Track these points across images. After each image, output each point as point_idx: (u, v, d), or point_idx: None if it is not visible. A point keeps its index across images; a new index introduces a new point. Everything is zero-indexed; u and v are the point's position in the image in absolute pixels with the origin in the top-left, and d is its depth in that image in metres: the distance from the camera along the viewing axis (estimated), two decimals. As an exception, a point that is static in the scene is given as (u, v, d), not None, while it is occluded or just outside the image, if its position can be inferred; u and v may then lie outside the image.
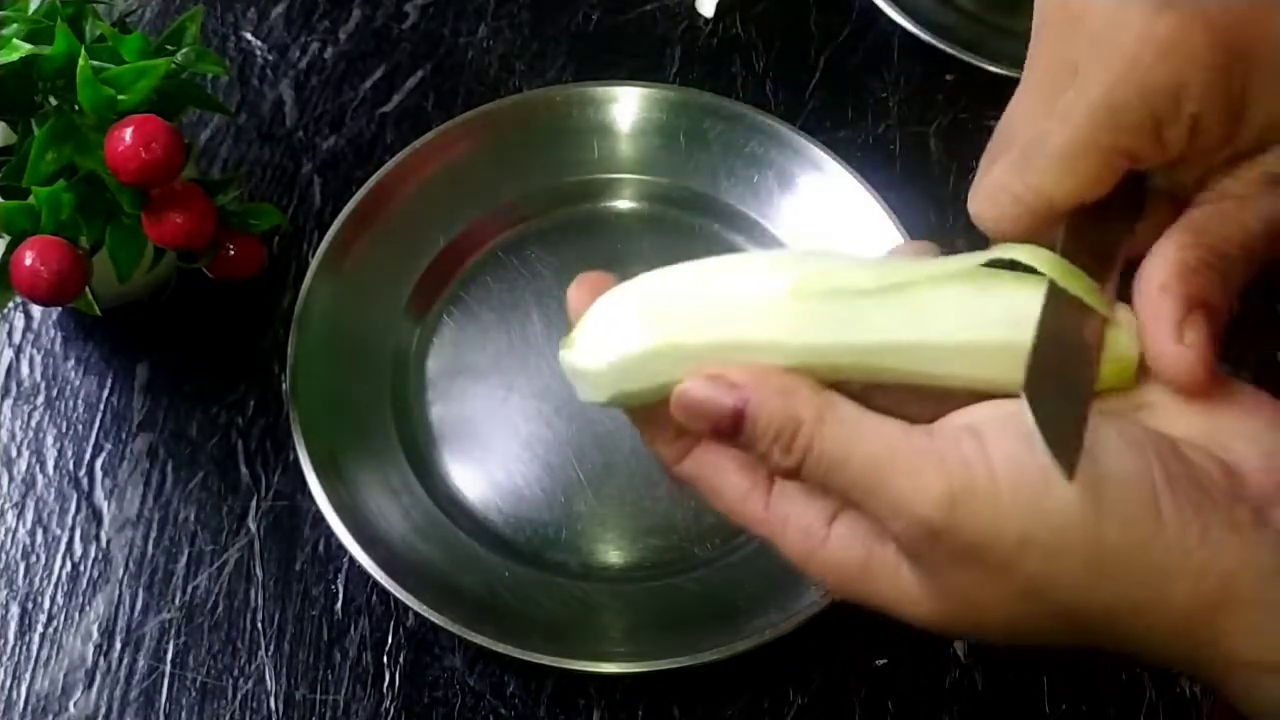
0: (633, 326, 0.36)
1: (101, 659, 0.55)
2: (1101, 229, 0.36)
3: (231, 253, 0.56)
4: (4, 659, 0.55)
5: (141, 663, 0.55)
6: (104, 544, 0.58)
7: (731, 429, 0.34)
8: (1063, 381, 0.32)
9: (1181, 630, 0.32)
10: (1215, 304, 0.34)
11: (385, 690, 0.55)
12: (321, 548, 0.58)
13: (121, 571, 0.57)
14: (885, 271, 0.35)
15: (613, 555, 0.58)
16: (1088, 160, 0.35)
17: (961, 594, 0.33)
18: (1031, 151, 0.36)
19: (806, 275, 0.35)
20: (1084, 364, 0.33)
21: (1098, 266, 0.35)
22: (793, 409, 0.34)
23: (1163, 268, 0.34)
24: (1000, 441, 0.32)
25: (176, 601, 0.56)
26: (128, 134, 0.50)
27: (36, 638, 0.56)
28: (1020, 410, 0.31)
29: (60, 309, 0.63)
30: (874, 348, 0.34)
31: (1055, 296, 0.34)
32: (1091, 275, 0.35)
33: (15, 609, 0.56)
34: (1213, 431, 0.33)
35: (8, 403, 0.61)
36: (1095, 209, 0.36)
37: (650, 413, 0.37)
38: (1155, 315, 0.34)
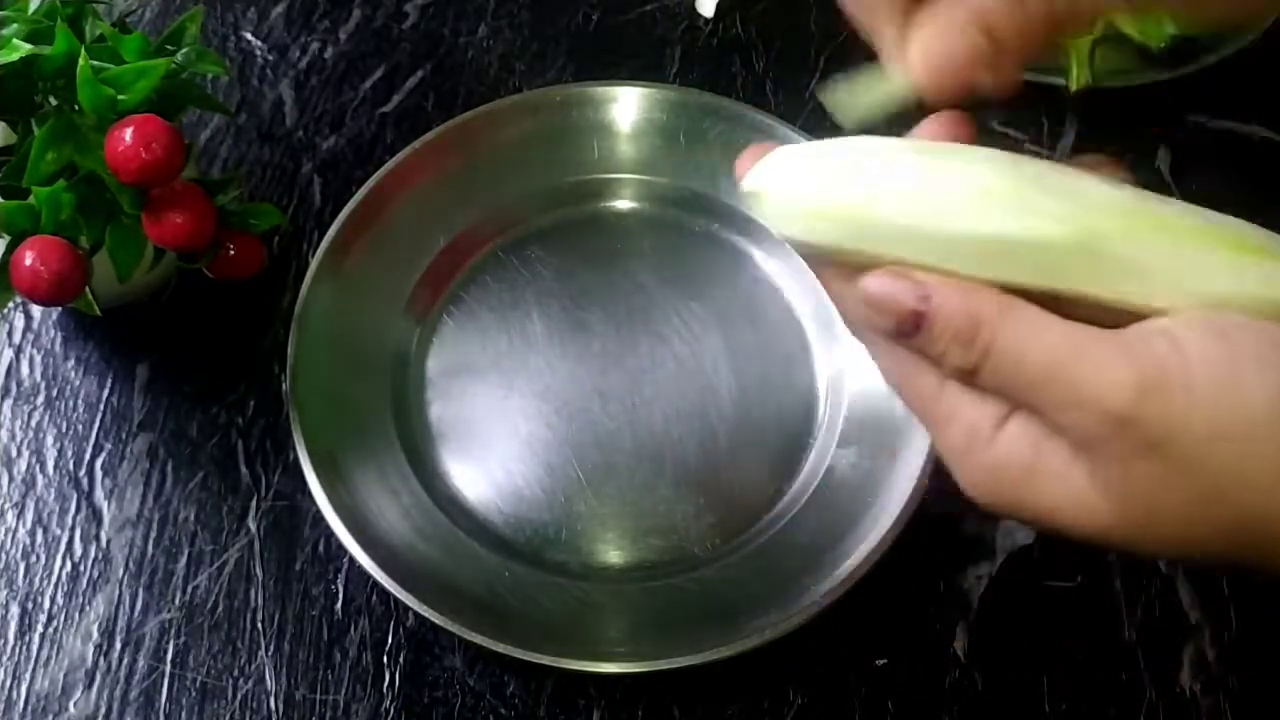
0: (841, 177, 0.35)
1: (101, 659, 0.55)
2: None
3: (231, 253, 0.56)
4: (4, 659, 0.55)
5: (141, 663, 0.55)
6: (104, 544, 0.58)
7: (913, 327, 0.34)
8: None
9: None
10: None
11: (385, 690, 0.55)
12: (321, 548, 0.58)
13: (121, 571, 0.57)
14: (1121, 203, 0.33)
15: (613, 555, 0.58)
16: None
17: (1139, 494, 0.32)
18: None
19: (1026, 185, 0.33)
20: None
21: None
22: (975, 306, 0.33)
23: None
24: (1193, 339, 0.31)
25: (176, 601, 0.56)
26: (128, 134, 0.50)
27: (36, 638, 0.56)
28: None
29: (60, 309, 0.63)
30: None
31: None
32: None
33: (15, 609, 0.56)
34: None
35: (8, 403, 0.61)
36: None
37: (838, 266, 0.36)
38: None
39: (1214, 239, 0.34)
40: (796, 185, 0.36)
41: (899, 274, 0.34)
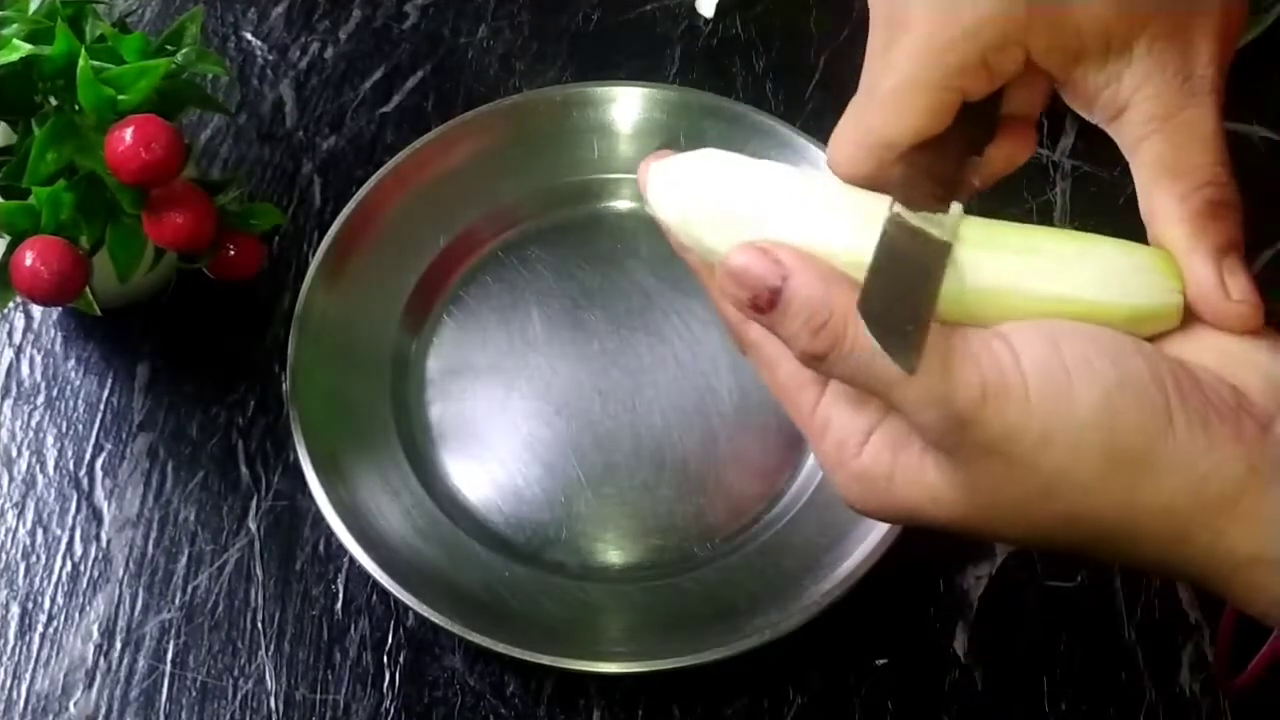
0: (713, 186, 0.38)
1: (102, 659, 0.55)
2: (943, 157, 0.38)
3: (231, 253, 0.56)
4: (4, 659, 0.55)
5: (142, 663, 0.55)
6: (104, 544, 0.58)
7: (768, 304, 0.35)
8: (900, 297, 0.34)
9: (1181, 534, 0.34)
10: (1236, 237, 0.37)
11: (385, 690, 0.55)
12: (321, 548, 0.58)
13: (122, 571, 0.57)
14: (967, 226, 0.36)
15: (613, 555, 0.58)
16: (916, 98, 0.37)
17: (983, 488, 0.35)
18: (866, 97, 0.39)
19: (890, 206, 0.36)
20: (923, 281, 0.35)
21: (941, 190, 0.37)
22: (830, 296, 0.34)
23: (1178, 227, 0.36)
24: (1028, 346, 0.34)
25: (177, 601, 0.56)
26: (128, 134, 0.50)
27: (37, 638, 0.56)
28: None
29: (60, 309, 0.63)
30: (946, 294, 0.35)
31: (896, 225, 0.36)
32: (934, 199, 0.37)
33: (15, 609, 0.56)
34: (1220, 357, 0.35)
35: (8, 403, 0.61)
36: (937, 141, 0.38)
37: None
38: (1197, 281, 0.36)
39: (1064, 247, 0.36)
40: (694, 190, 0.39)
41: (764, 250, 0.35)
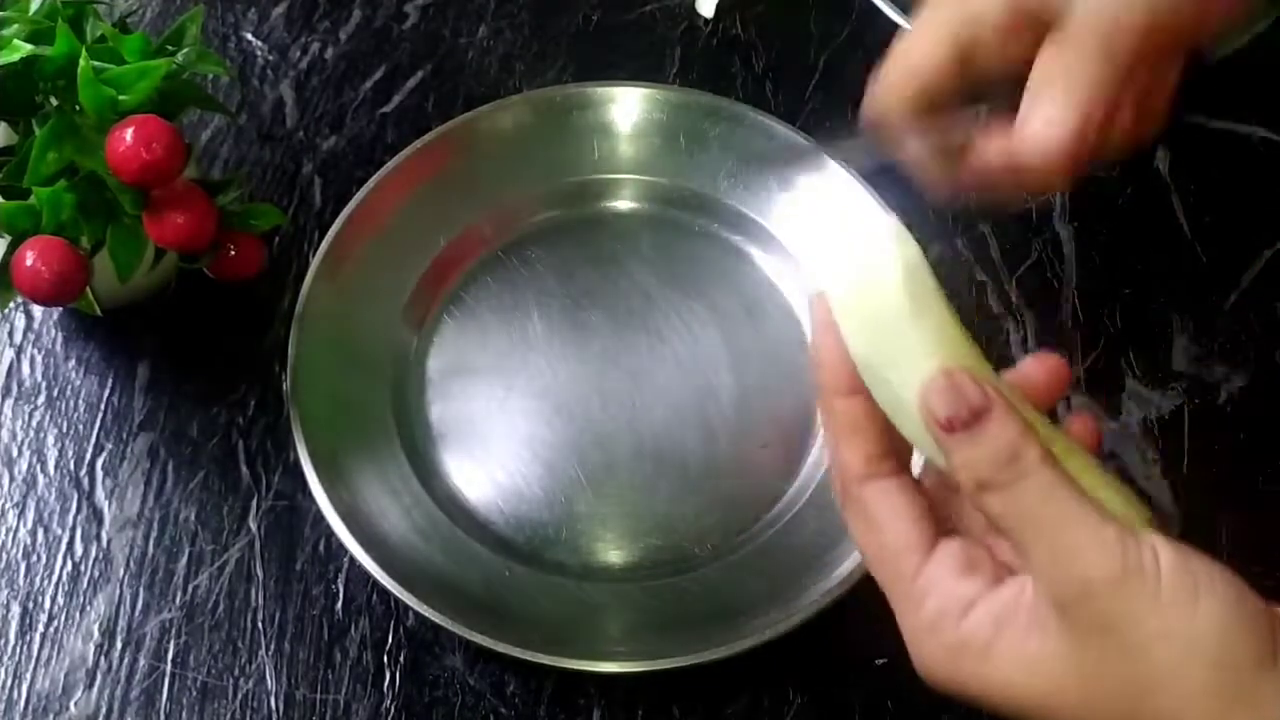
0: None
1: (102, 659, 0.55)
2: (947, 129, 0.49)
3: (232, 253, 0.56)
4: (5, 659, 0.55)
5: (142, 662, 0.55)
6: (105, 544, 0.58)
7: (965, 424, 0.36)
8: None
9: None
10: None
11: (385, 690, 0.55)
12: (321, 548, 0.58)
13: (122, 571, 0.57)
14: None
15: (613, 555, 0.58)
16: (923, 47, 0.49)
17: (1090, 665, 0.35)
18: (888, 61, 0.50)
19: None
20: None
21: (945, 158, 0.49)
22: (1025, 438, 0.36)
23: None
24: (1164, 548, 0.35)
25: (177, 601, 0.56)
26: (128, 134, 0.50)
27: (37, 637, 0.56)
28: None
29: (61, 309, 0.63)
30: None
31: None
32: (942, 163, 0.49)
33: (16, 609, 0.56)
34: None
35: (9, 403, 0.61)
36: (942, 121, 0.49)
37: (852, 420, 0.39)
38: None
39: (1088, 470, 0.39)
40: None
41: (975, 377, 0.37)
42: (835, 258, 0.38)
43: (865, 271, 0.37)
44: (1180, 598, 0.34)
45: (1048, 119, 0.46)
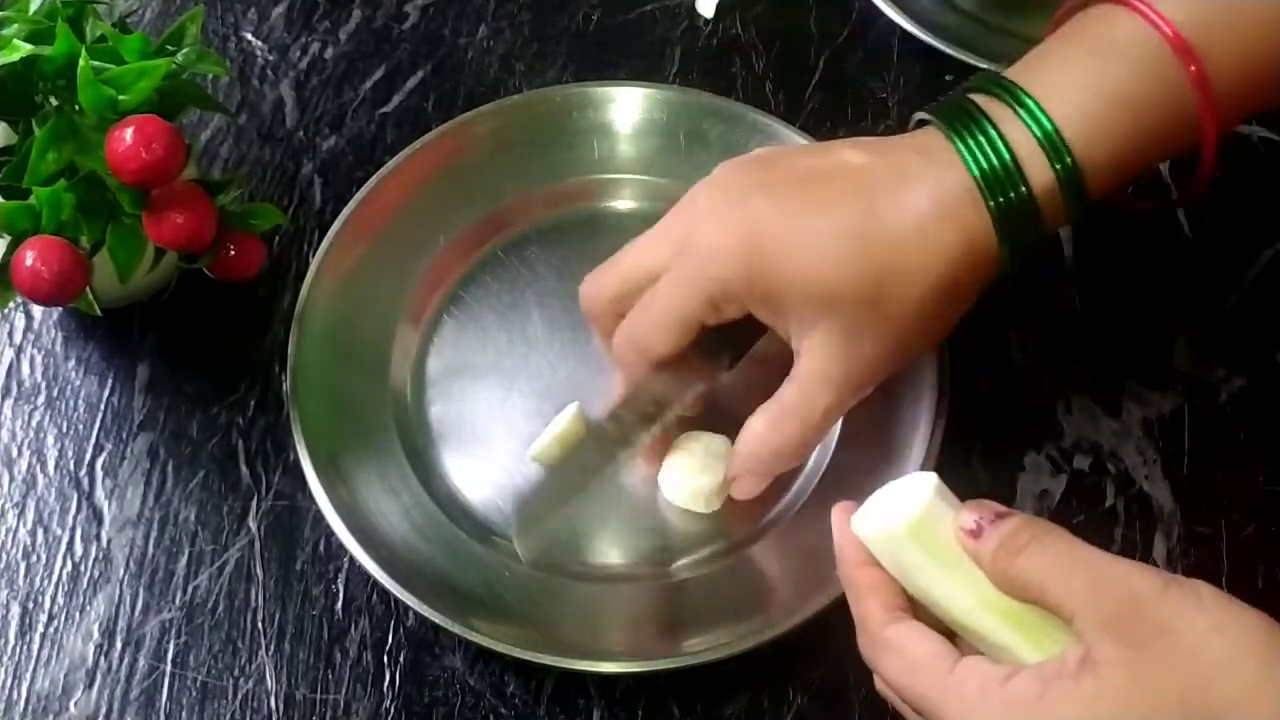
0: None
1: (102, 659, 0.55)
2: (666, 380, 0.54)
3: (232, 253, 0.56)
4: (4, 659, 0.55)
5: (142, 662, 0.55)
6: (104, 544, 0.58)
7: (994, 519, 0.42)
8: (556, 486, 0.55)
9: None
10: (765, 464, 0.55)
11: (385, 690, 0.55)
12: (321, 548, 0.58)
13: (122, 571, 0.57)
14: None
15: (613, 555, 0.58)
16: (673, 328, 0.52)
17: (1151, 671, 0.37)
18: (636, 313, 0.53)
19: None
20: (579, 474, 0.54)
21: (654, 407, 0.54)
22: (1030, 523, 0.42)
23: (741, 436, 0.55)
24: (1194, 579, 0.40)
25: (177, 601, 0.56)
26: (128, 134, 0.50)
27: (37, 637, 0.56)
28: None
29: (61, 309, 0.63)
30: None
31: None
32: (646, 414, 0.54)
33: (16, 609, 0.56)
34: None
35: (8, 403, 0.61)
36: (673, 362, 0.53)
37: (871, 581, 0.44)
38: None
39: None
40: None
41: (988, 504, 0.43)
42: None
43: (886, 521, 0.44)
44: (1222, 601, 0.38)
45: (755, 431, 0.53)
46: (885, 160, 0.51)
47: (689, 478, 0.56)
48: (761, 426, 0.53)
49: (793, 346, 0.52)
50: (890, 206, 0.49)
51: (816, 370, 0.51)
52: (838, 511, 0.46)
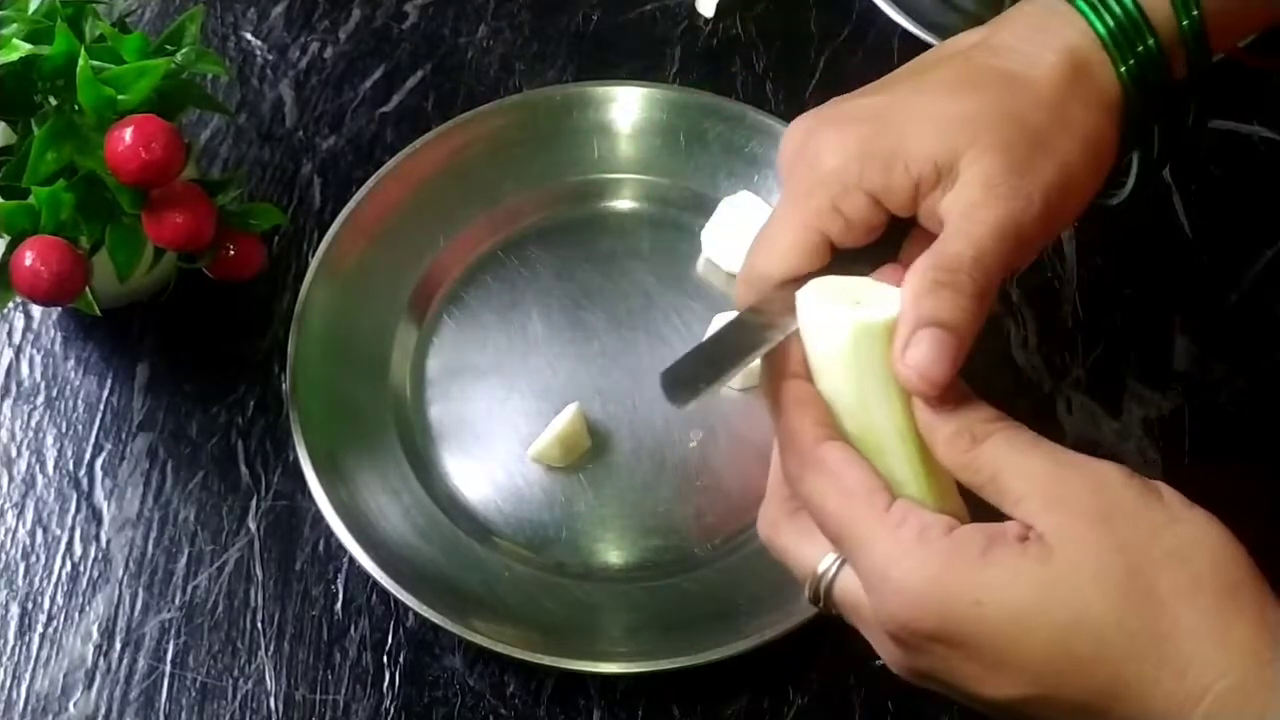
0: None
1: (101, 659, 0.55)
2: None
3: (231, 253, 0.56)
4: (4, 659, 0.55)
5: (141, 663, 0.55)
6: (104, 544, 0.58)
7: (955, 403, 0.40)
8: (710, 362, 0.41)
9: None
10: (945, 318, 0.39)
11: (385, 690, 0.55)
12: (321, 548, 0.58)
13: (121, 571, 0.57)
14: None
15: (613, 555, 0.58)
16: (784, 236, 0.43)
17: (1109, 543, 0.36)
18: (752, 245, 0.44)
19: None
20: (736, 354, 0.41)
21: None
22: (1000, 417, 0.40)
23: (907, 293, 0.40)
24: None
25: (176, 601, 0.56)
26: (128, 134, 0.50)
27: (36, 638, 0.56)
28: None
29: (60, 309, 0.63)
30: None
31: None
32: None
33: (15, 609, 0.56)
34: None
35: (8, 403, 0.61)
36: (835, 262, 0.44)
37: (799, 395, 0.41)
38: (897, 339, 0.40)
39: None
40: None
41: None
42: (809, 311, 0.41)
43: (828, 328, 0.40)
44: (1181, 498, 0.37)
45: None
46: (997, 34, 0.45)
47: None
48: (946, 246, 0.42)
49: (940, 213, 0.42)
50: (1016, 62, 0.44)
51: (977, 189, 0.41)
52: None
